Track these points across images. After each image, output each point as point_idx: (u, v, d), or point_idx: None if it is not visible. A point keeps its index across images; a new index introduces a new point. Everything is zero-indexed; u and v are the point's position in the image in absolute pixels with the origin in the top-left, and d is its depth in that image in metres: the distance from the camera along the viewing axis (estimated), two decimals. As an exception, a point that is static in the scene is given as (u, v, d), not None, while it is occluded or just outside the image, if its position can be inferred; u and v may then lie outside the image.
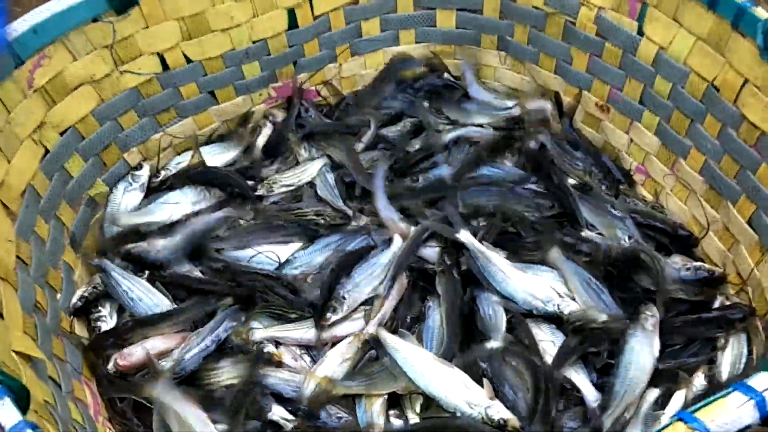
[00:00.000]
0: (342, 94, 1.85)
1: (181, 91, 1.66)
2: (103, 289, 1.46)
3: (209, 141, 1.76)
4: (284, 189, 1.67)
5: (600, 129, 1.75)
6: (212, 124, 1.77)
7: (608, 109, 1.68)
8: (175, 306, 1.45)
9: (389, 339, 1.33)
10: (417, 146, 1.72)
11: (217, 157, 1.72)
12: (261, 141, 1.76)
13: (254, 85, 1.76)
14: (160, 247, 1.49)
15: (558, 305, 1.37)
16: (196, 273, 1.50)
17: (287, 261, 1.50)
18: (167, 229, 1.53)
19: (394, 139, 1.75)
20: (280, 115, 1.80)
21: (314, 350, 1.39)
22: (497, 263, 1.42)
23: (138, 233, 1.53)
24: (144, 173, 1.65)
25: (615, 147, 1.73)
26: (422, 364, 1.26)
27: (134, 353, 1.36)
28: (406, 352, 1.30)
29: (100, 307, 1.46)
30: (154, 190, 1.64)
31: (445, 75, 1.83)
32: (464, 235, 1.45)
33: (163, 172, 1.66)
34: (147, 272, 1.49)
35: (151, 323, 1.42)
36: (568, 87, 1.74)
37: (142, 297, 1.45)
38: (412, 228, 1.48)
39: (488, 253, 1.42)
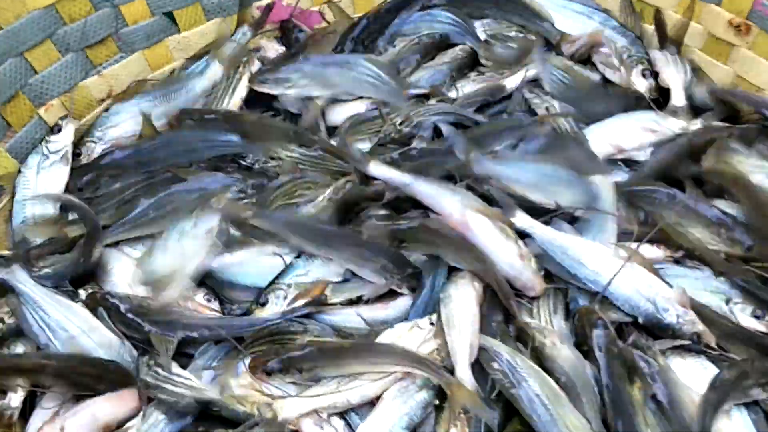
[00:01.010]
0: (352, 19, 1.54)
1: (123, 12, 1.34)
2: (13, 323, 1.10)
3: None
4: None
5: (731, 60, 1.41)
6: (170, 63, 1.45)
7: (748, 29, 1.35)
8: (124, 341, 1.09)
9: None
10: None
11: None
12: (243, 86, 1.40)
13: (230, 1, 1.45)
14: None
15: (679, 318, 1.08)
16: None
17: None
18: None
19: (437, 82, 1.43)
20: (271, 49, 1.48)
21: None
22: (579, 248, 1.14)
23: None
24: (64, 138, 1.28)
25: (755, 85, 1.38)
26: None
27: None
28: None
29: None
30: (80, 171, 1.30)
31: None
32: (521, 219, 1.18)
33: (90, 144, 1.31)
34: (84, 291, 1.14)
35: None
36: (682, -1, 1.40)
37: (67, 328, 1.08)
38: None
39: (563, 237, 1.15)
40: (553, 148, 1.27)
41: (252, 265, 1.17)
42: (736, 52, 1.40)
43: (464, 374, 1.01)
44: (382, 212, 1.21)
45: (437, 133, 1.39)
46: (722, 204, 1.22)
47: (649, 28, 1.49)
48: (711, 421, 0.99)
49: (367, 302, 1.14)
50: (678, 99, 1.38)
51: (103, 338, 1.07)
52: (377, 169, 1.21)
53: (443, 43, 1.49)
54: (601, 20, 1.49)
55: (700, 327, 1.06)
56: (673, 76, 1.40)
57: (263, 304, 1.13)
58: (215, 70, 1.38)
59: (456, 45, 1.49)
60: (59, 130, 1.28)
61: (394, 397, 1.02)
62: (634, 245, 1.15)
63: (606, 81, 1.43)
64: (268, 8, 1.46)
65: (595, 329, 1.06)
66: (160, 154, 1.26)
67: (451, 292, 1.10)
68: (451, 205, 1.17)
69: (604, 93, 1.40)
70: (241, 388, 1.03)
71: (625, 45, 1.45)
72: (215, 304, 1.15)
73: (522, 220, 1.17)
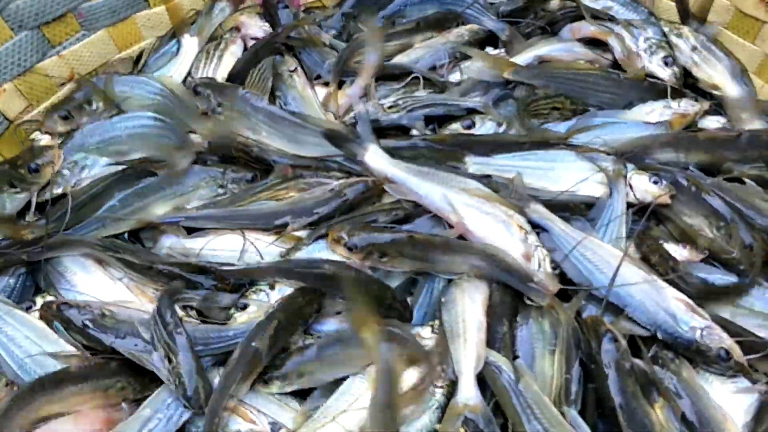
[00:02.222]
0: None
1: None
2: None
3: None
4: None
5: (759, 37, 1.31)
6: (139, 43, 1.32)
7: (778, 3, 1.26)
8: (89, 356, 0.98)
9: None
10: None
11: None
12: (225, 68, 1.31)
13: None
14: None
15: (702, 331, 0.98)
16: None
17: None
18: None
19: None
20: (253, 26, 1.36)
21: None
22: (597, 249, 1.05)
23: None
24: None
25: None
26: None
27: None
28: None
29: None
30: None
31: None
32: (536, 211, 1.09)
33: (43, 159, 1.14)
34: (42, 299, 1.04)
35: (48, 390, 0.93)
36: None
37: (18, 339, 0.98)
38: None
39: (580, 234, 1.06)
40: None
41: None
42: (766, 30, 1.28)
43: (469, 388, 0.92)
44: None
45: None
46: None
47: (664, 2, 1.39)
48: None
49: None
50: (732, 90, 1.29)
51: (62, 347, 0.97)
52: (373, 160, 1.13)
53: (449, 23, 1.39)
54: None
55: (728, 342, 0.96)
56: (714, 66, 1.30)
57: (243, 308, 1.02)
58: (190, 51, 1.26)
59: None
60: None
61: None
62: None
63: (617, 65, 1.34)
64: None
65: (604, 342, 0.95)
66: (122, 133, 1.16)
67: (455, 295, 1.01)
68: (447, 199, 1.08)
69: (614, 80, 1.29)
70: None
71: (638, 23, 1.34)
72: (192, 312, 1.04)
73: (537, 211, 1.08)
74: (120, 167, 1.14)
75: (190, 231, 1.11)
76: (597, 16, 1.35)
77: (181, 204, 1.12)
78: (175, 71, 1.28)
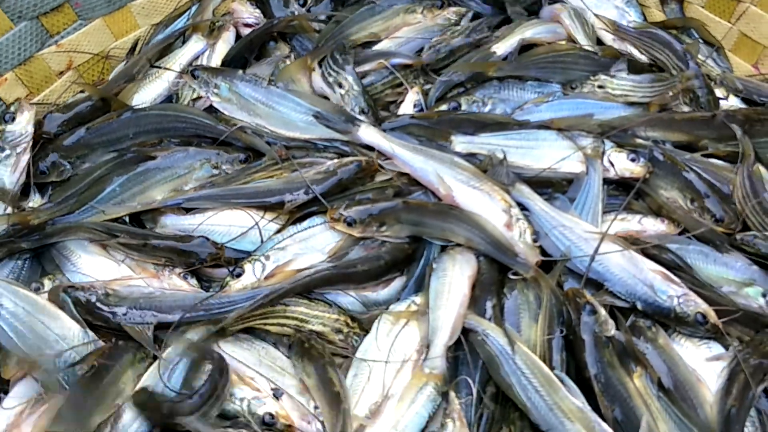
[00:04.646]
0: None
1: None
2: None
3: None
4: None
5: (735, 16, 1.33)
6: (135, 31, 1.31)
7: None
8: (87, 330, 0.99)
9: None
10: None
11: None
12: (218, 54, 1.31)
13: None
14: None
15: (678, 299, 1.01)
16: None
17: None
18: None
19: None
20: (245, 13, 1.36)
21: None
22: (575, 227, 1.07)
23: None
24: (20, 126, 1.12)
25: (760, 44, 1.31)
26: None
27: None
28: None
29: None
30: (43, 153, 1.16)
31: None
32: (519, 189, 1.11)
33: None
34: (49, 281, 1.05)
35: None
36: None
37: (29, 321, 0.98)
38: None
39: (562, 216, 1.08)
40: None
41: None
42: (741, 8, 1.31)
43: (436, 357, 0.94)
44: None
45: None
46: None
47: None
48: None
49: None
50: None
51: (65, 329, 0.98)
52: (367, 133, 1.15)
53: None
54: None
55: (703, 306, 0.99)
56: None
57: (238, 275, 1.05)
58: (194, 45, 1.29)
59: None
60: (12, 119, 1.12)
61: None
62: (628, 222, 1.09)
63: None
64: None
65: (583, 314, 0.97)
66: (128, 131, 1.17)
67: (446, 265, 1.04)
68: (436, 172, 1.11)
69: (593, 59, 1.30)
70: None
71: (620, 6, 1.37)
72: (192, 280, 1.07)
73: (520, 190, 1.10)
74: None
75: (189, 209, 1.12)
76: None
77: (179, 186, 1.14)
78: (175, 63, 1.28)
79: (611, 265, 1.03)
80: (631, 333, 0.98)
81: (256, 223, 1.09)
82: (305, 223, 1.11)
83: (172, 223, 1.12)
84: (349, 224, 1.06)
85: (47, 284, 1.05)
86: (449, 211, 1.08)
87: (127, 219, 1.12)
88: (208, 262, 1.06)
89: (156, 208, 1.12)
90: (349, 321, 1.02)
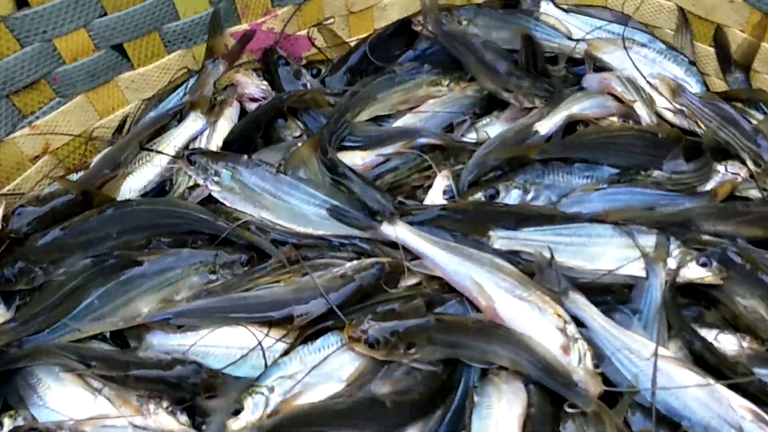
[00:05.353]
0: (347, 43, 1.37)
1: (59, 47, 1.09)
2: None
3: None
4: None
5: None
6: (123, 107, 1.22)
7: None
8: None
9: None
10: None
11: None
12: (219, 134, 1.19)
13: (197, 28, 1.21)
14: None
15: None
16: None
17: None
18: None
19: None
20: (250, 85, 1.25)
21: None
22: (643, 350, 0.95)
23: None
24: None
25: None
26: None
27: None
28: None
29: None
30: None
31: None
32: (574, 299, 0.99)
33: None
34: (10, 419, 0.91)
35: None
36: (753, 11, 1.20)
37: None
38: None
39: (627, 335, 0.96)
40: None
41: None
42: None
43: None
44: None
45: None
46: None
47: (704, 48, 1.28)
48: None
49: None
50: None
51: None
52: (393, 229, 1.03)
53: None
54: (645, 42, 1.27)
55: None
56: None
57: (237, 413, 0.90)
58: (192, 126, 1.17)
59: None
60: None
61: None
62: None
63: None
64: (246, 37, 1.22)
65: None
66: (111, 230, 1.04)
67: (491, 399, 0.90)
68: (474, 278, 0.98)
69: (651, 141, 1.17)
70: None
71: (679, 75, 1.24)
72: (183, 417, 0.93)
73: (574, 300, 0.96)
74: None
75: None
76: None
77: (170, 296, 1.00)
78: (169, 145, 1.16)
79: (688, 399, 0.89)
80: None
81: (259, 343, 0.95)
82: (318, 343, 0.97)
83: (160, 343, 0.98)
84: (371, 345, 0.92)
85: (7, 423, 0.90)
86: (493, 330, 0.94)
87: (108, 335, 0.98)
88: (201, 394, 0.92)
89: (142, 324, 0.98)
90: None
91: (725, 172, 1.14)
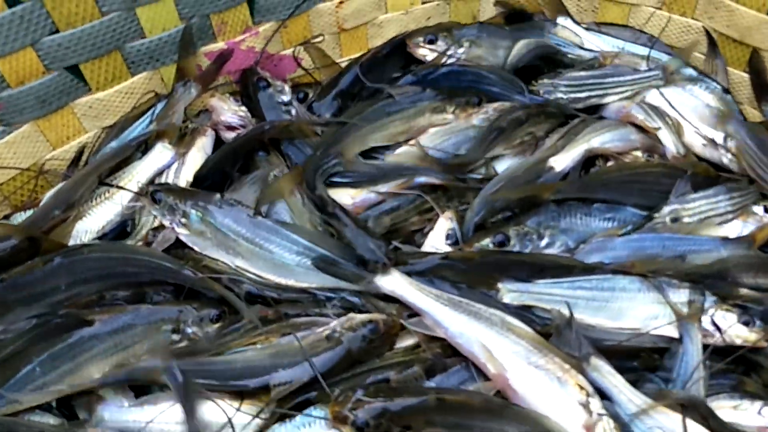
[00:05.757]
0: (337, 64, 1.29)
1: (2, 68, 0.99)
2: None
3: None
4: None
5: None
6: (79, 136, 1.11)
7: None
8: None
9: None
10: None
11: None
12: (190, 167, 1.08)
13: (165, 47, 1.12)
14: None
15: None
16: None
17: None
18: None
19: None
20: (226, 111, 1.15)
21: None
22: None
23: None
24: None
25: None
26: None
27: None
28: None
29: None
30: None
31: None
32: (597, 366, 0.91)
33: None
34: None
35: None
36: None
37: None
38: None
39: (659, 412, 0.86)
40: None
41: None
42: None
43: None
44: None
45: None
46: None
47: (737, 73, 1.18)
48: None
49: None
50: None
51: None
52: (388, 281, 0.93)
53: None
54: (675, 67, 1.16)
55: None
56: None
57: None
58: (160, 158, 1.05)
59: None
60: None
61: None
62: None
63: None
64: (223, 57, 1.10)
65: None
66: (59, 282, 0.91)
67: None
68: (482, 341, 0.88)
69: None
70: None
71: (712, 105, 1.13)
72: None
73: (597, 367, 0.87)
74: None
75: (138, 394, 0.86)
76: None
77: (125, 360, 0.87)
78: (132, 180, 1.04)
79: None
80: None
81: (229, 420, 0.82)
82: (298, 420, 0.84)
83: (112, 418, 0.84)
84: (359, 429, 0.80)
85: None
86: (503, 410, 0.83)
87: (54, 404, 0.85)
88: (160, 484, 0.78)
89: (92, 392, 0.84)
90: None
91: (764, 214, 1.04)
